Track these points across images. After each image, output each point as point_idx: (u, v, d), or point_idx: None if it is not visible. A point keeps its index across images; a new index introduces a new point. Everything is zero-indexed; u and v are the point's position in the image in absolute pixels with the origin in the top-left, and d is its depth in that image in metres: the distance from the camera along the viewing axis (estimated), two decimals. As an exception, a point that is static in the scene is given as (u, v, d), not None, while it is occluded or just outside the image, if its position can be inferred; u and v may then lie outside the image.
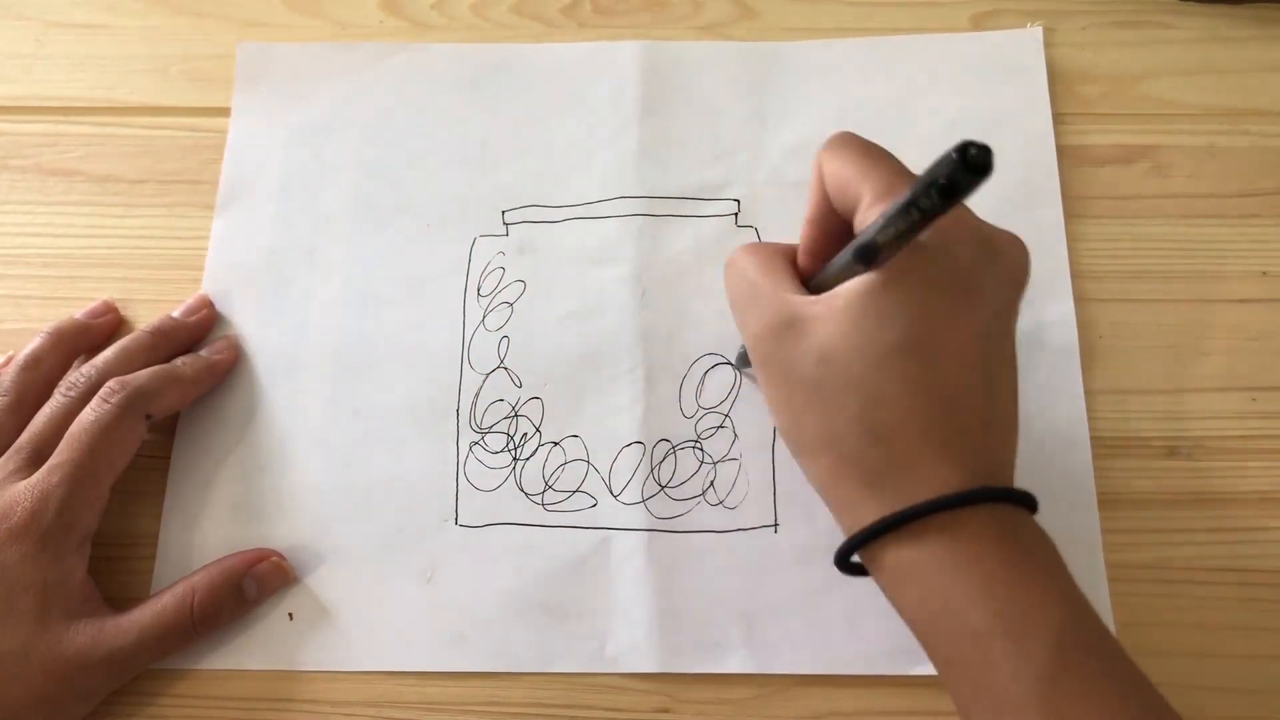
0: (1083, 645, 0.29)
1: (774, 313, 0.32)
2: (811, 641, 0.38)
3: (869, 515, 0.30)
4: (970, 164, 0.25)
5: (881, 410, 0.30)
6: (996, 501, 0.30)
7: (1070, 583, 0.30)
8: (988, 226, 0.32)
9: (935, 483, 0.30)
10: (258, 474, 0.41)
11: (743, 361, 0.42)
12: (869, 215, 0.31)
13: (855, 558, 0.32)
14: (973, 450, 0.30)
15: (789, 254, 0.35)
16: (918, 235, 0.28)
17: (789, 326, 0.32)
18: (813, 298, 0.32)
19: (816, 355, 0.31)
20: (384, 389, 0.43)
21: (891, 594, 0.31)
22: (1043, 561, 0.30)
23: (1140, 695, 0.29)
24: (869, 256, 0.30)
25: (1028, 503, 0.31)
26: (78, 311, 0.43)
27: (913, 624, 0.31)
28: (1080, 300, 0.43)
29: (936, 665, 0.31)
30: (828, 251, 0.34)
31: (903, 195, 0.27)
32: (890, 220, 0.28)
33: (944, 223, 0.28)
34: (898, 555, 0.30)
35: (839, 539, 0.39)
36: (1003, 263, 0.32)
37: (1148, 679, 0.29)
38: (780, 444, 0.41)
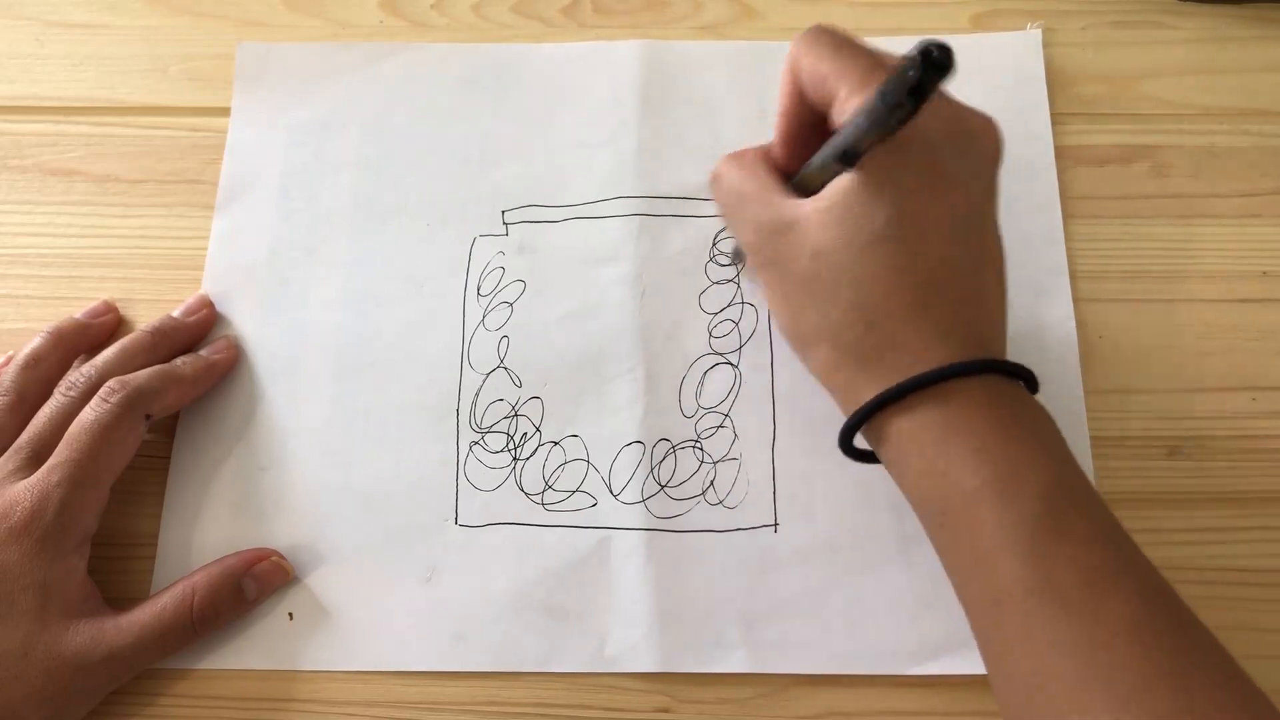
0: (1067, 499, 0.30)
1: (766, 218, 0.34)
2: (811, 641, 0.38)
3: (867, 394, 0.33)
4: (934, 64, 0.27)
5: (871, 295, 0.32)
6: (987, 373, 0.32)
7: (1058, 445, 0.32)
8: (961, 109, 0.34)
9: (927, 357, 0.32)
10: (257, 474, 0.41)
11: (737, 257, 0.44)
12: (846, 108, 0.32)
13: (859, 441, 0.34)
14: (961, 325, 0.32)
15: (767, 156, 0.37)
16: (894, 135, 0.30)
17: (781, 230, 0.34)
18: (799, 199, 0.34)
19: (809, 252, 0.33)
20: (384, 389, 0.43)
21: (893, 467, 0.34)
22: (1031, 425, 0.32)
23: (1120, 543, 0.31)
24: (850, 159, 0.32)
25: (1021, 374, 0.33)
26: (78, 311, 0.43)
27: (911, 493, 0.33)
28: (1080, 300, 0.43)
29: (930, 528, 0.33)
30: (801, 140, 0.36)
31: (873, 102, 0.29)
32: (866, 126, 0.30)
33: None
34: (897, 427, 0.32)
35: (839, 538, 0.40)
36: (976, 146, 0.34)
37: (1128, 532, 0.31)
38: (781, 443, 0.41)
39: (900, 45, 0.48)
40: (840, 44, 0.34)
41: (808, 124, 0.35)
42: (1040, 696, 0.29)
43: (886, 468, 0.34)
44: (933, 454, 0.31)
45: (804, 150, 0.36)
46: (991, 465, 0.30)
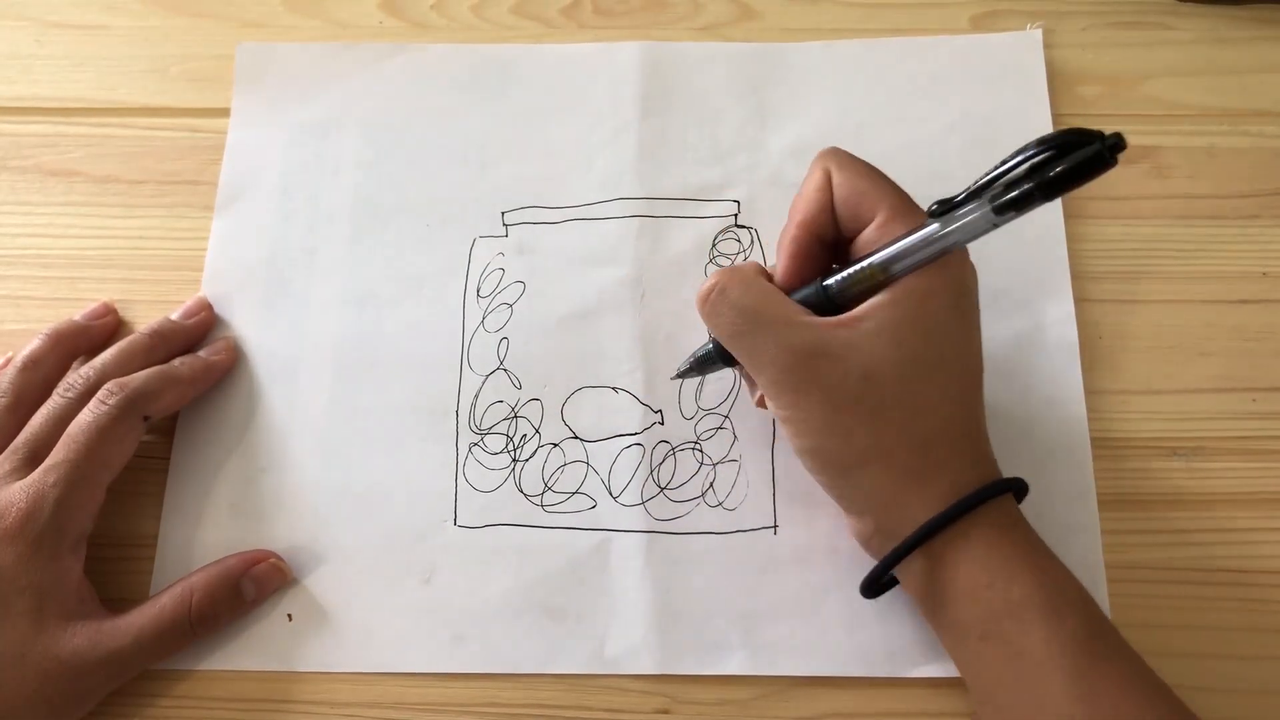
0: (1100, 619, 0.32)
1: (799, 341, 0.33)
2: (811, 643, 0.38)
3: (919, 514, 0.33)
4: (1112, 149, 0.28)
5: (928, 419, 0.33)
6: (1010, 491, 0.34)
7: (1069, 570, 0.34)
8: None
9: (967, 480, 0.33)
10: (257, 475, 0.41)
11: (700, 367, 0.39)
12: (888, 228, 0.33)
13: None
14: (984, 448, 0.35)
15: (765, 273, 0.36)
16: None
17: (819, 353, 0.33)
18: (834, 319, 0.33)
19: (860, 374, 0.33)
20: (383, 390, 0.43)
21: (935, 584, 0.34)
22: (1048, 549, 0.34)
23: (1148, 667, 0.32)
24: (937, 253, 0.32)
25: (1021, 488, 0.35)
26: (77, 313, 0.43)
27: (948, 606, 0.33)
28: (1080, 300, 0.43)
29: (968, 646, 0.33)
30: (811, 256, 0.35)
31: (1013, 197, 0.30)
32: (1005, 214, 0.30)
33: None
34: (946, 547, 0.33)
35: (838, 540, 0.40)
36: (970, 269, 0.35)
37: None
38: (780, 445, 0.41)
39: (900, 46, 0.48)
40: (872, 167, 0.35)
41: (820, 241, 0.36)
42: None
43: (917, 592, 0.35)
44: (979, 570, 0.32)
45: (807, 267, 0.36)
46: (1037, 578, 0.32)
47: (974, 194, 0.31)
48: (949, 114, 0.47)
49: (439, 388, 0.43)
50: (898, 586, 0.37)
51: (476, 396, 0.43)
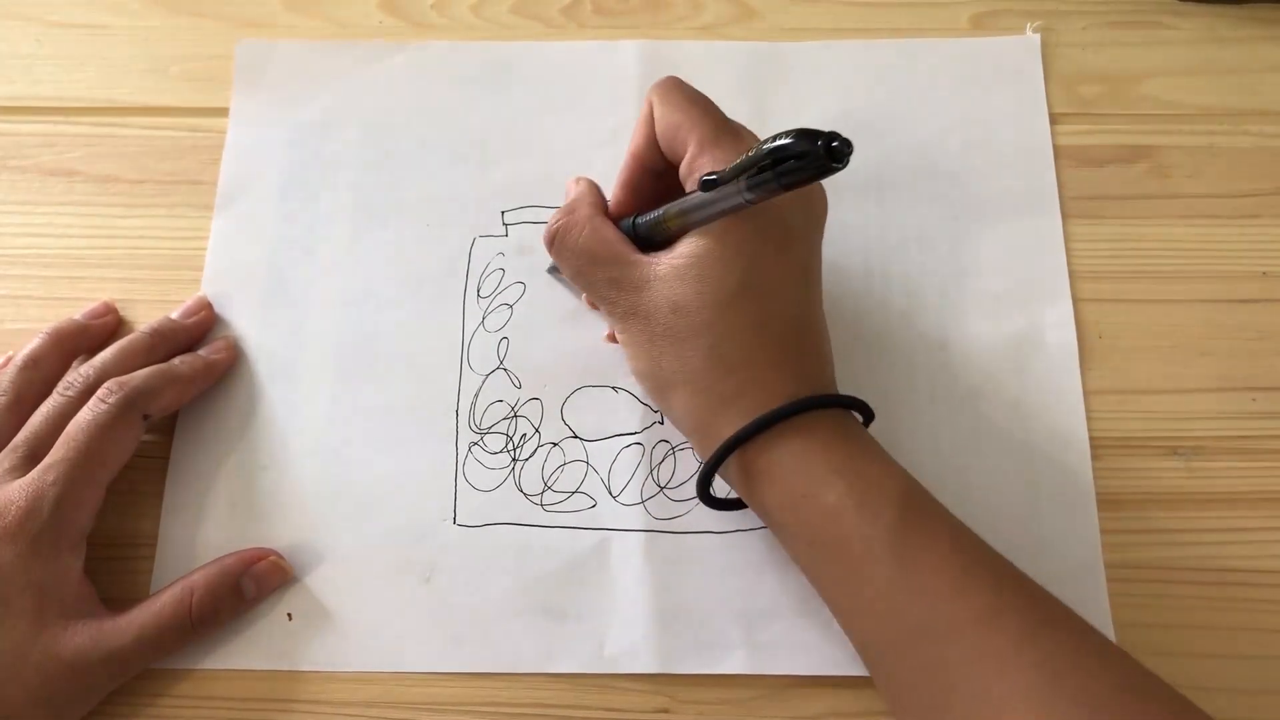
0: (920, 508, 0.34)
1: (622, 277, 0.36)
2: (810, 642, 0.38)
3: (727, 433, 0.34)
4: (837, 156, 0.29)
5: (731, 345, 0.35)
6: (836, 407, 0.35)
7: (897, 464, 0.35)
8: None
9: (781, 397, 0.34)
10: (257, 474, 0.41)
11: (556, 270, 0.44)
12: (696, 164, 0.35)
13: (715, 487, 0.37)
14: (807, 368, 0.36)
15: (600, 207, 0.39)
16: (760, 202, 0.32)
17: (639, 286, 0.36)
18: (650, 257, 0.36)
19: (669, 306, 0.35)
20: (383, 389, 0.43)
21: (756, 501, 0.36)
22: (875, 450, 0.35)
23: (972, 541, 0.34)
24: (714, 215, 0.34)
25: (859, 406, 0.36)
26: (77, 312, 0.43)
27: (775, 518, 0.35)
28: (1080, 300, 0.43)
29: (798, 555, 0.36)
30: (642, 185, 0.39)
31: (768, 180, 0.31)
32: (756, 194, 0.32)
33: None
34: (758, 460, 0.34)
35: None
36: (812, 203, 0.37)
37: (977, 535, 0.34)
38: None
39: (900, 47, 0.48)
40: (694, 98, 0.37)
41: (650, 171, 0.38)
42: (927, 672, 0.32)
43: (750, 504, 0.36)
44: (794, 480, 0.34)
45: (639, 196, 0.39)
46: (847, 482, 0.33)
47: (735, 173, 0.32)
48: (948, 115, 0.47)
49: (439, 387, 0.43)
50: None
51: (476, 396, 0.43)
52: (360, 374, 0.43)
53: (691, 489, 0.41)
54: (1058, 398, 0.42)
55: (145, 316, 0.44)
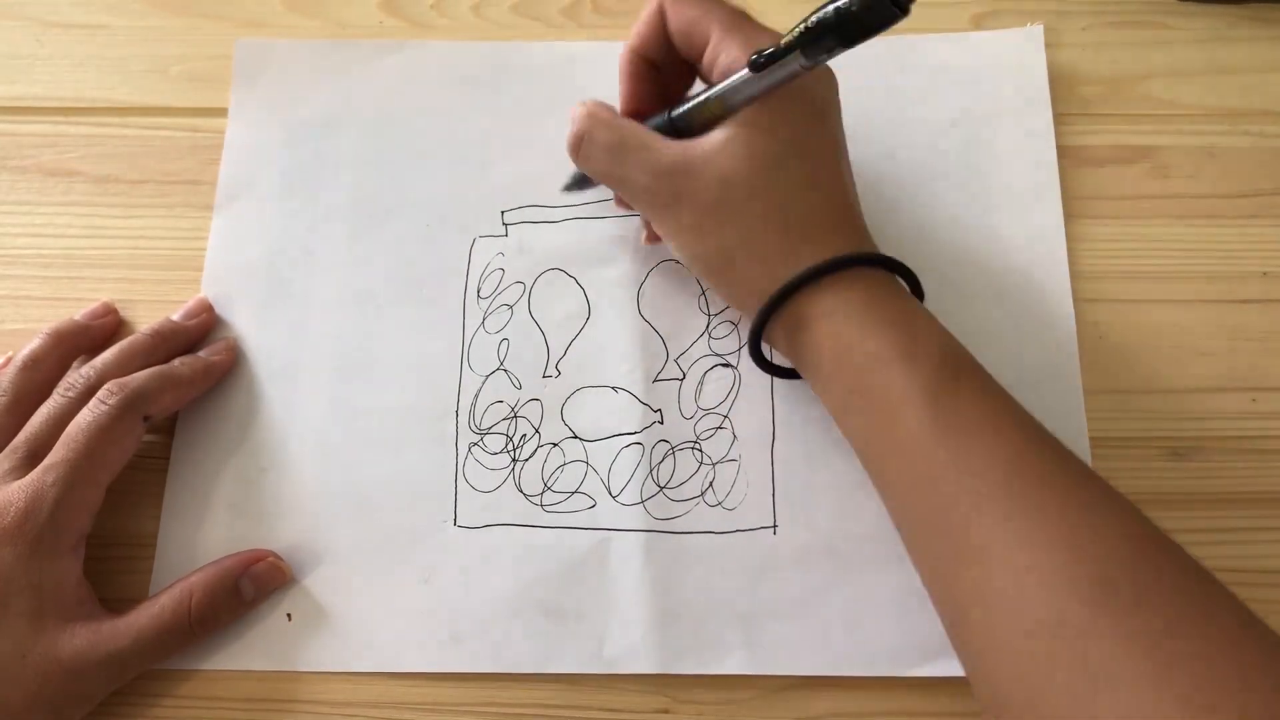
0: (960, 363, 0.35)
1: (662, 162, 0.37)
2: (811, 642, 0.38)
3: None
4: (898, 1, 0.31)
5: (786, 204, 0.36)
6: (886, 267, 0.37)
7: (941, 325, 0.36)
8: None
9: (830, 251, 0.35)
10: (257, 475, 0.41)
11: (578, 184, 0.43)
12: (722, 46, 0.36)
13: (765, 349, 0.38)
14: (850, 226, 0.37)
15: (612, 109, 0.39)
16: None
17: (681, 169, 0.36)
18: (691, 140, 0.37)
19: (718, 181, 0.36)
20: (383, 390, 0.43)
21: (800, 347, 0.37)
22: (920, 308, 0.36)
23: (1003, 392, 0.35)
24: (762, 91, 0.35)
25: (908, 276, 0.37)
26: (77, 313, 0.43)
27: (817, 367, 0.36)
28: (1080, 300, 0.43)
29: (838, 401, 0.36)
30: (646, 79, 0.39)
31: (826, 39, 0.32)
32: (814, 59, 0.33)
33: None
34: (808, 309, 0.36)
35: (838, 540, 0.40)
36: (828, 81, 0.38)
37: (1010, 394, 0.35)
38: (780, 445, 0.41)
39: (901, 45, 0.48)
40: None
41: (653, 65, 0.39)
42: (945, 513, 0.32)
43: (792, 357, 0.38)
44: (840, 327, 0.35)
45: (644, 89, 0.40)
46: (895, 332, 0.35)
47: (792, 45, 0.33)
48: (950, 112, 0.47)
49: (439, 388, 0.43)
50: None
51: (476, 396, 0.43)
52: (360, 374, 0.43)
53: (691, 489, 0.41)
54: (1058, 397, 0.42)
55: (145, 317, 0.44)
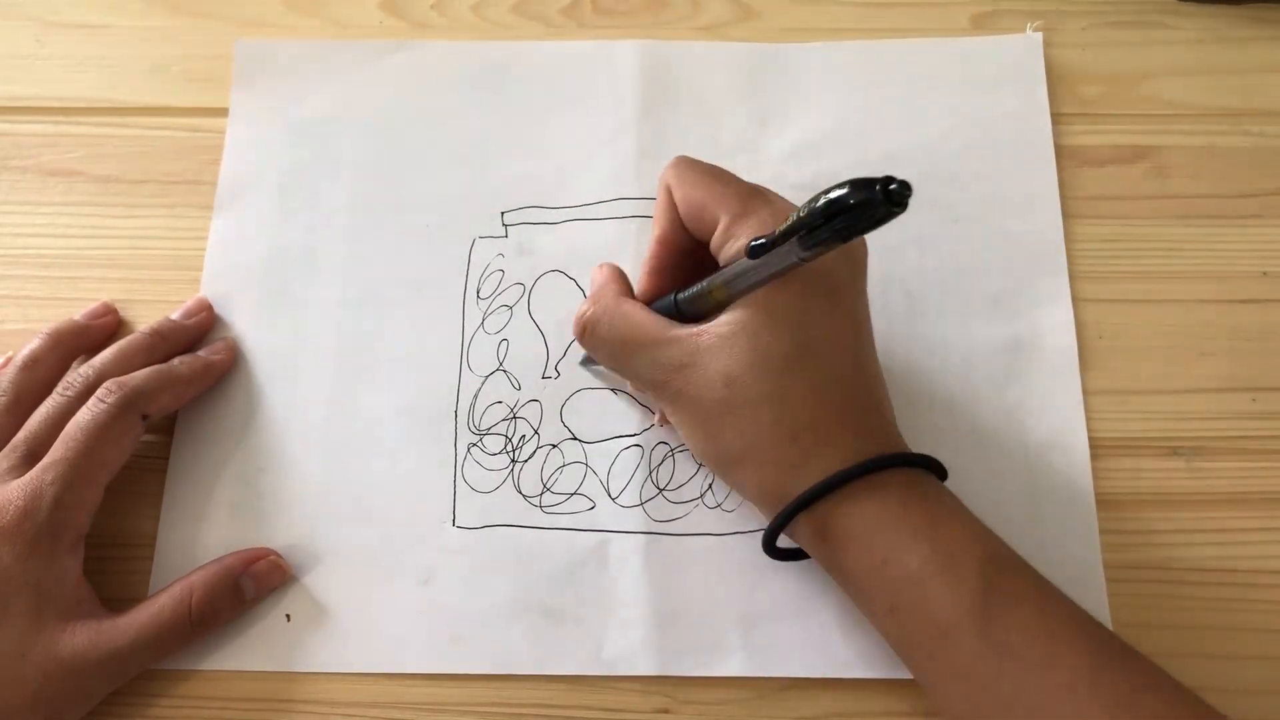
0: (1004, 568, 0.33)
1: (666, 357, 0.35)
2: (810, 644, 0.38)
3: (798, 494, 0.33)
4: (894, 199, 0.27)
5: (792, 413, 0.33)
6: (906, 466, 0.34)
7: (981, 524, 0.34)
8: None
9: (851, 456, 0.33)
10: (256, 475, 0.41)
11: (590, 360, 0.42)
12: (732, 233, 0.34)
13: (784, 542, 0.36)
14: (871, 425, 0.35)
15: (627, 291, 0.38)
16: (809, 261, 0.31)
17: (685, 364, 0.35)
18: (695, 329, 0.35)
19: (722, 380, 0.34)
20: (383, 390, 0.43)
21: (834, 561, 0.34)
22: (954, 509, 0.34)
23: (1062, 604, 0.32)
24: (764, 279, 0.33)
25: (932, 465, 0.35)
26: (77, 313, 0.43)
27: (853, 582, 0.34)
28: (1080, 301, 0.43)
29: (878, 618, 0.34)
30: (672, 268, 0.38)
31: (823, 236, 0.29)
32: (811, 251, 0.30)
33: None
34: (833, 523, 0.33)
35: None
36: (850, 255, 0.35)
37: (1066, 596, 0.33)
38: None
39: (900, 47, 0.48)
40: (711, 171, 0.37)
41: (680, 252, 0.38)
42: None
43: (827, 569, 0.36)
44: (873, 543, 0.33)
45: (669, 279, 0.38)
46: (929, 545, 0.32)
47: (787, 234, 0.30)
48: (949, 115, 0.47)
49: (438, 388, 0.43)
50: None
51: (476, 397, 0.43)
52: (360, 375, 0.43)
53: (690, 491, 0.41)
54: (1057, 398, 0.42)
55: (145, 316, 0.44)
